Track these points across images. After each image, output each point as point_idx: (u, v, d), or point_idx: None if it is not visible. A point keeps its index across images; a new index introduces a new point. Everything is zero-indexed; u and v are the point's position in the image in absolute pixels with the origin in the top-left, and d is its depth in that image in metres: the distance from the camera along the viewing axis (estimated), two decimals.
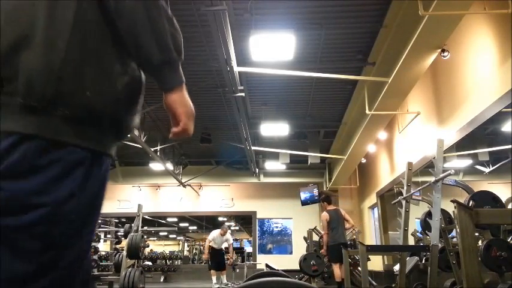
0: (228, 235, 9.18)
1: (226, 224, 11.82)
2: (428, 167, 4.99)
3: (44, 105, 0.77)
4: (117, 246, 7.84)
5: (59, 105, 0.78)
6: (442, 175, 3.63)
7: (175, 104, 0.92)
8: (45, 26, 0.79)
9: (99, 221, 7.33)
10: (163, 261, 13.56)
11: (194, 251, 21.33)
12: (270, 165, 10.65)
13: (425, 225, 4.29)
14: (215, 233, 9.06)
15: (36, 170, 0.76)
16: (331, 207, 6.80)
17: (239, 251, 15.03)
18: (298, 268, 7.43)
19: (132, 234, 6.22)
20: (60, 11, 0.80)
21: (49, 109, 0.78)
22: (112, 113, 0.86)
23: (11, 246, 0.73)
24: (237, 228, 19.63)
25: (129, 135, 1.00)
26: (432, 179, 3.74)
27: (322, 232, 6.81)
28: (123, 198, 12.26)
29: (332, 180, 10.50)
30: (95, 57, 0.83)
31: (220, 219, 16.50)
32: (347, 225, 6.72)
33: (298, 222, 11.84)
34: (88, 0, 0.84)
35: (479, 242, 3.16)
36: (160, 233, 23.38)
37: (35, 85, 0.76)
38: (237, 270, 10.25)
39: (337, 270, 6.37)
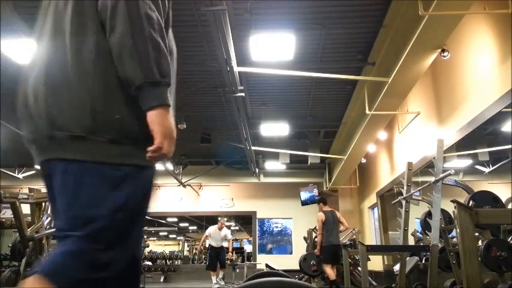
0: (227, 230, 8.94)
1: (226, 223, 11.76)
2: (428, 167, 4.98)
3: (86, 134, 0.95)
4: None
5: (98, 131, 0.96)
6: (442, 175, 3.63)
7: (153, 123, 0.97)
8: (74, 67, 0.98)
9: None
10: (163, 261, 13.55)
11: (194, 251, 21.32)
12: (270, 165, 10.65)
13: (425, 225, 4.29)
14: (212, 228, 8.82)
15: (89, 189, 0.96)
16: (327, 209, 6.91)
17: (239, 251, 15.00)
18: (298, 268, 7.42)
19: None
20: (84, 53, 0.98)
21: (91, 136, 0.95)
22: (142, 129, 0.99)
23: (81, 249, 0.94)
24: (237, 228, 19.62)
25: None
26: (432, 179, 3.74)
27: (317, 233, 6.88)
28: None
29: (332, 180, 10.49)
30: (116, 84, 0.98)
31: (220, 219, 16.45)
32: (341, 228, 6.83)
33: (298, 222, 11.84)
34: (102, 34, 0.99)
35: (479, 242, 3.16)
36: (160, 233, 23.37)
37: (76, 119, 0.96)
38: (237, 270, 10.24)
39: (329, 270, 6.52)
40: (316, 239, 7.09)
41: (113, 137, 0.97)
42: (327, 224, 6.65)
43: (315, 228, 8.11)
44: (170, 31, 1.19)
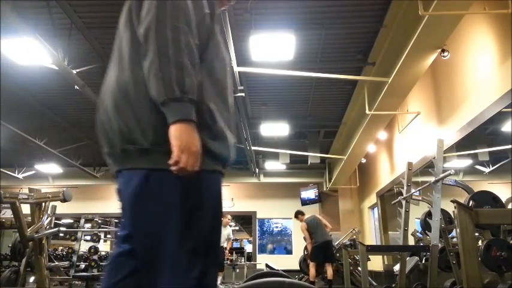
0: (229, 229, 8.84)
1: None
2: (428, 167, 4.98)
3: (151, 146, 1.08)
4: None
5: (157, 143, 1.07)
6: (442, 175, 3.63)
7: (172, 137, 1.03)
8: (132, 90, 1.12)
9: (99, 221, 7.33)
10: None
11: None
12: (270, 165, 10.64)
13: (425, 225, 4.29)
14: None
15: (165, 191, 1.08)
16: (306, 216, 7.13)
17: (239, 251, 14.99)
18: (298, 268, 7.43)
19: None
20: (139, 77, 1.11)
21: (154, 148, 1.08)
22: None
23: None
24: (237, 228, 19.63)
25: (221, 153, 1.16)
26: (432, 179, 3.74)
27: (306, 242, 7.04)
28: None
29: (332, 180, 10.49)
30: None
31: (224, 217, 16.41)
32: (327, 230, 7.00)
33: (298, 222, 11.81)
34: None
35: (479, 242, 3.16)
36: None
37: (138, 133, 1.09)
38: (237, 270, 10.23)
39: (312, 269, 6.73)
40: (306, 250, 7.24)
41: (168, 147, 1.05)
42: (311, 228, 6.94)
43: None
44: (218, 41, 1.25)
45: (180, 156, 1.00)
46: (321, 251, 6.73)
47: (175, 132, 1.02)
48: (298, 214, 7.44)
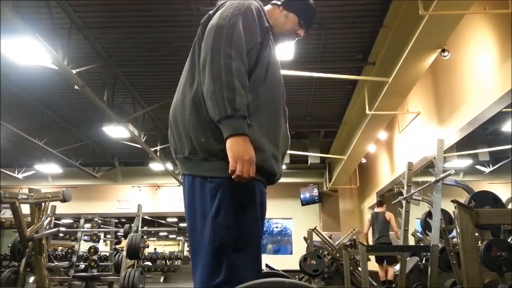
0: None
1: None
2: (428, 167, 4.98)
3: (190, 155, 1.25)
4: (116, 246, 7.79)
5: (195, 152, 1.24)
6: (442, 175, 3.63)
7: (227, 149, 1.15)
8: (180, 108, 1.30)
9: (99, 221, 7.32)
10: (163, 262, 13.53)
11: None
12: None
13: (426, 226, 4.28)
14: None
15: (203, 195, 1.22)
16: (376, 210, 6.86)
17: None
18: (298, 268, 7.41)
19: (131, 234, 6.20)
20: (187, 97, 1.29)
21: (192, 157, 1.25)
22: (222, 150, 1.19)
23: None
24: None
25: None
26: (432, 179, 3.73)
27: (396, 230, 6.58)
28: (122, 198, 12.25)
29: (332, 180, 10.49)
30: (207, 119, 1.22)
31: None
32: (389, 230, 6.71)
33: (298, 222, 11.83)
34: (197, 83, 1.28)
35: (480, 242, 3.15)
36: (160, 233, 23.35)
37: (182, 144, 1.27)
38: None
39: (378, 270, 6.56)
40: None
41: (204, 156, 1.22)
42: (373, 221, 6.76)
43: (315, 228, 8.06)
44: (267, 64, 1.35)
45: (234, 166, 1.12)
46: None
47: (229, 145, 1.14)
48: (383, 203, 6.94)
